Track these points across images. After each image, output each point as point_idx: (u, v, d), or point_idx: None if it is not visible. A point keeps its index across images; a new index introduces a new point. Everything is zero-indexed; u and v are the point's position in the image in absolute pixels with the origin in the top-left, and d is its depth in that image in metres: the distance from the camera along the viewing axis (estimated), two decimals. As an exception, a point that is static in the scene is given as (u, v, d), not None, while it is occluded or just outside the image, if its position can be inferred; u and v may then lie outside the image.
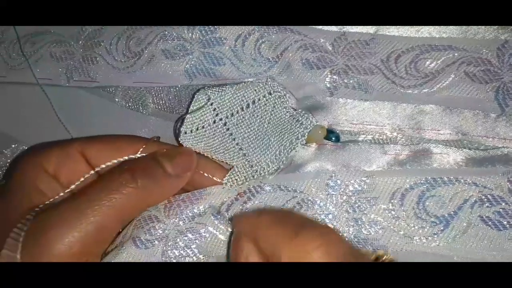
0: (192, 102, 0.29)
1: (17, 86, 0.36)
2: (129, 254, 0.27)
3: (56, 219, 0.25)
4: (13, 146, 0.36)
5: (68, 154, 0.27)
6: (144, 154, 0.28)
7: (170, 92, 0.33)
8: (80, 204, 0.25)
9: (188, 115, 0.29)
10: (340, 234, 0.27)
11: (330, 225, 0.27)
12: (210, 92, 0.29)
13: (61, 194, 0.27)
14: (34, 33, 0.35)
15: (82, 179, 0.27)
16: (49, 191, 0.26)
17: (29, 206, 0.26)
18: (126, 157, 0.28)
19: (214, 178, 0.28)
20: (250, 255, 0.23)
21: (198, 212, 0.28)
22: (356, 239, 0.27)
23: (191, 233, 0.27)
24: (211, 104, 0.29)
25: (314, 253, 0.20)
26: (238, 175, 0.28)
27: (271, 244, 0.22)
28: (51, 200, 0.26)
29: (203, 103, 0.29)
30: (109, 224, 0.25)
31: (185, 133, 0.29)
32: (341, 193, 0.27)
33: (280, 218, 0.23)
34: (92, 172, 0.28)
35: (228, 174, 0.28)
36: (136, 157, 0.28)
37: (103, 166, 0.27)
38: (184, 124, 0.29)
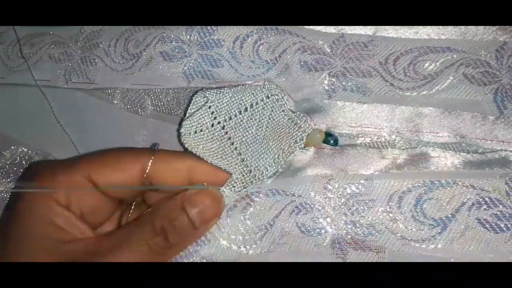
0: (190, 104, 0.29)
1: (16, 88, 0.36)
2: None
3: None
4: (12, 147, 0.36)
5: (76, 183, 0.27)
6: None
7: (168, 94, 0.33)
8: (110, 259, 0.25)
9: (186, 118, 0.29)
10: None
11: (328, 228, 0.27)
12: (209, 94, 0.29)
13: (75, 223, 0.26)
14: (33, 35, 0.35)
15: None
16: (66, 224, 0.26)
17: (49, 243, 0.25)
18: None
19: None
20: None
21: None
22: (354, 241, 0.27)
23: None
24: (209, 107, 0.29)
25: None
26: (236, 183, 0.28)
27: None
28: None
29: (201, 105, 0.29)
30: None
31: (185, 135, 0.29)
32: (339, 196, 0.27)
33: None
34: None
35: (226, 183, 0.28)
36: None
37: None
38: (183, 126, 0.29)
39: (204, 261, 0.28)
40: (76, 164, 0.27)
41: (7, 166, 0.36)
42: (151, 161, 0.27)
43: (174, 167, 0.28)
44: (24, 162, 0.36)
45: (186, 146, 0.28)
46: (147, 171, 0.27)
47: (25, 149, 0.36)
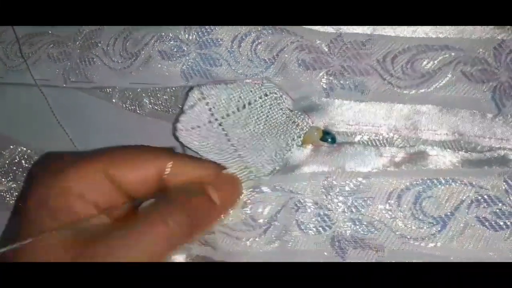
0: (186, 100, 0.29)
1: (15, 87, 0.36)
2: None
3: (106, 254, 0.24)
4: (11, 147, 0.36)
5: (93, 176, 0.26)
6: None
7: (166, 93, 0.33)
8: (131, 240, 0.24)
9: (183, 113, 0.29)
10: None
11: (326, 227, 0.27)
12: (204, 88, 0.29)
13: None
14: (32, 34, 0.35)
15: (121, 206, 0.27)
16: (83, 210, 0.25)
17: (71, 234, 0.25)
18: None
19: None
20: None
21: None
22: (353, 239, 0.27)
23: None
24: (207, 103, 0.29)
25: None
26: None
27: None
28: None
29: (198, 100, 0.29)
30: (160, 254, 0.25)
31: (181, 130, 0.29)
32: (337, 193, 0.27)
33: None
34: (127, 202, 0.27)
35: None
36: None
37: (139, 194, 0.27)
38: (180, 122, 0.29)
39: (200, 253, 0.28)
40: (95, 157, 0.27)
41: (6, 165, 0.36)
42: (170, 164, 0.27)
43: (192, 174, 0.27)
44: (23, 161, 0.36)
45: (181, 141, 0.29)
46: (166, 173, 0.27)
47: (24, 148, 0.36)
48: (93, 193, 0.26)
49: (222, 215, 0.28)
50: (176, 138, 0.29)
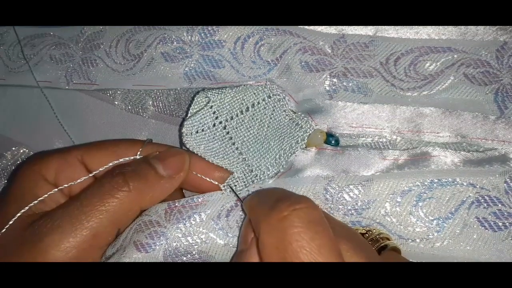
0: (192, 104, 0.29)
1: (17, 89, 0.36)
2: (131, 258, 0.27)
3: (51, 226, 0.25)
4: (13, 148, 0.36)
5: (68, 162, 0.27)
6: (139, 157, 0.28)
7: (170, 95, 0.33)
8: (74, 210, 0.25)
9: (188, 118, 0.29)
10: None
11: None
12: (210, 94, 0.29)
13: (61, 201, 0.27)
14: (34, 36, 0.35)
15: (79, 180, 0.27)
16: (49, 199, 0.27)
17: (27, 214, 0.26)
18: (121, 160, 0.28)
19: (213, 181, 0.29)
20: (253, 242, 0.23)
21: (198, 217, 0.28)
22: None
23: (192, 238, 0.28)
24: (211, 107, 0.29)
25: (288, 220, 0.20)
26: (237, 181, 0.29)
27: (255, 225, 0.22)
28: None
29: (203, 105, 0.29)
30: (103, 228, 0.26)
31: (187, 134, 0.29)
32: (339, 197, 0.27)
33: (262, 198, 0.24)
34: (90, 175, 0.28)
35: (227, 180, 0.29)
36: (130, 159, 0.28)
37: (101, 169, 0.28)
38: (185, 126, 0.29)
39: (200, 261, 0.28)
40: (71, 147, 0.28)
41: (8, 167, 0.36)
42: (140, 149, 0.28)
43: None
44: (25, 163, 0.36)
45: (187, 146, 0.29)
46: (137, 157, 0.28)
47: (27, 150, 0.36)
48: (67, 181, 0.27)
49: (170, 187, 0.28)
50: (183, 144, 0.29)
